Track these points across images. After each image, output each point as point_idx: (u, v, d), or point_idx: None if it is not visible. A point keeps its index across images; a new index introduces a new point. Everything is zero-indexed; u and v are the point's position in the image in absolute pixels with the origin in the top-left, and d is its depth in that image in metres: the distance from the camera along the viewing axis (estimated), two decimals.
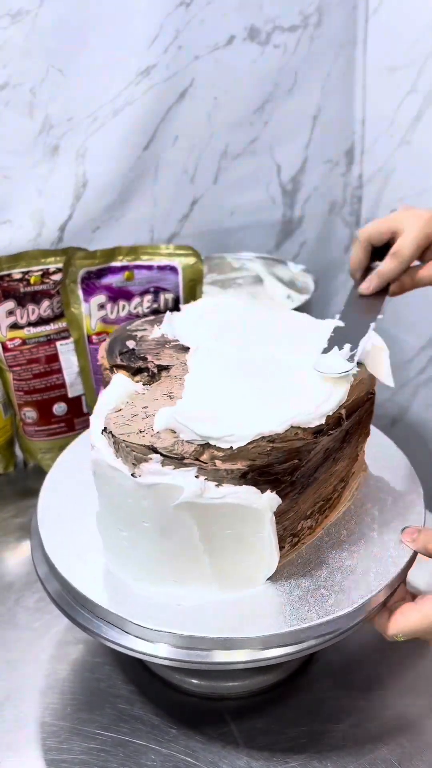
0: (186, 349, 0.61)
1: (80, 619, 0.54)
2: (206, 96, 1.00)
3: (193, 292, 0.87)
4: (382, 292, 0.69)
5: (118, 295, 0.86)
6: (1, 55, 0.84)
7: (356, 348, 0.59)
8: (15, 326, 0.86)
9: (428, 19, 0.97)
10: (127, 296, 0.86)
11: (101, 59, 0.90)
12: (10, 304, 0.85)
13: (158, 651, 0.51)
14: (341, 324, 0.63)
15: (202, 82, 0.98)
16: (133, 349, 0.61)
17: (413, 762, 0.56)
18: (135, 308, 0.86)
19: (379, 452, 0.69)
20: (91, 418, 0.55)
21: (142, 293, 0.86)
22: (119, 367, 0.61)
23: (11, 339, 0.86)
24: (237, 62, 1.00)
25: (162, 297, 0.86)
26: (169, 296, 0.87)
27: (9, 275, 0.84)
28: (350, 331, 0.62)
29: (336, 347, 0.59)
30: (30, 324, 0.86)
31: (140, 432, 0.51)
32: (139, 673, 0.64)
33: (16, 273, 0.85)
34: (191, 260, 0.86)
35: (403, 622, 0.53)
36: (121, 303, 0.86)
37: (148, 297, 0.86)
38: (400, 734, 0.58)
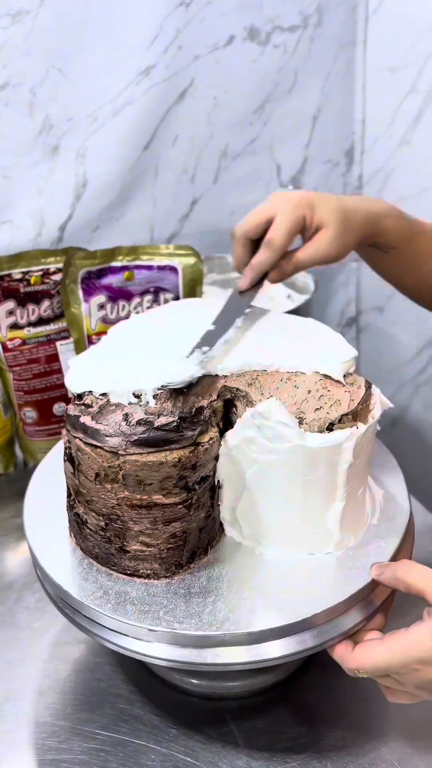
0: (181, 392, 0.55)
1: (79, 619, 0.54)
2: (206, 96, 1.00)
3: (193, 292, 0.87)
4: (261, 281, 0.67)
5: (118, 295, 0.86)
6: (1, 55, 0.84)
7: (210, 350, 0.57)
8: (15, 326, 0.86)
9: (428, 19, 0.97)
10: (127, 296, 0.86)
11: (101, 59, 0.90)
12: (10, 304, 0.85)
13: (155, 651, 0.51)
14: (212, 328, 0.61)
15: (202, 82, 0.98)
16: (174, 424, 0.51)
17: (413, 762, 0.56)
18: (135, 308, 0.86)
19: None
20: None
21: (142, 293, 0.86)
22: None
23: (11, 339, 0.86)
24: (237, 62, 1.00)
25: (162, 297, 0.86)
26: (169, 296, 0.87)
27: (9, 275, 0.84)
28: (218, 331, 0.61)
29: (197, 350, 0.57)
30: (30, 324, 0.86)
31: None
32: (139, 673, 0.64)
33: (16, 273, 0.85)
34: (191, 260, 0.86)
35: (365, 656, 0.48)
36: (121, 303, 0.86)
37: (148, 297, 0.86)
38: (400, 734, 0.58)
